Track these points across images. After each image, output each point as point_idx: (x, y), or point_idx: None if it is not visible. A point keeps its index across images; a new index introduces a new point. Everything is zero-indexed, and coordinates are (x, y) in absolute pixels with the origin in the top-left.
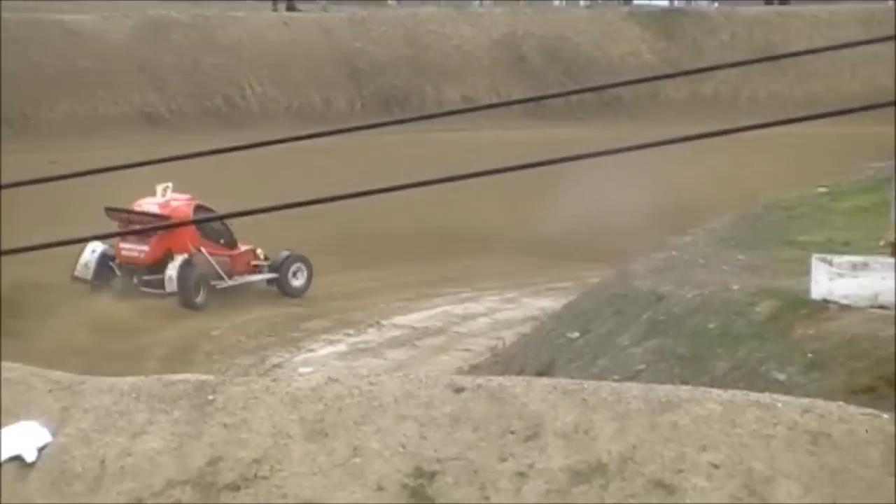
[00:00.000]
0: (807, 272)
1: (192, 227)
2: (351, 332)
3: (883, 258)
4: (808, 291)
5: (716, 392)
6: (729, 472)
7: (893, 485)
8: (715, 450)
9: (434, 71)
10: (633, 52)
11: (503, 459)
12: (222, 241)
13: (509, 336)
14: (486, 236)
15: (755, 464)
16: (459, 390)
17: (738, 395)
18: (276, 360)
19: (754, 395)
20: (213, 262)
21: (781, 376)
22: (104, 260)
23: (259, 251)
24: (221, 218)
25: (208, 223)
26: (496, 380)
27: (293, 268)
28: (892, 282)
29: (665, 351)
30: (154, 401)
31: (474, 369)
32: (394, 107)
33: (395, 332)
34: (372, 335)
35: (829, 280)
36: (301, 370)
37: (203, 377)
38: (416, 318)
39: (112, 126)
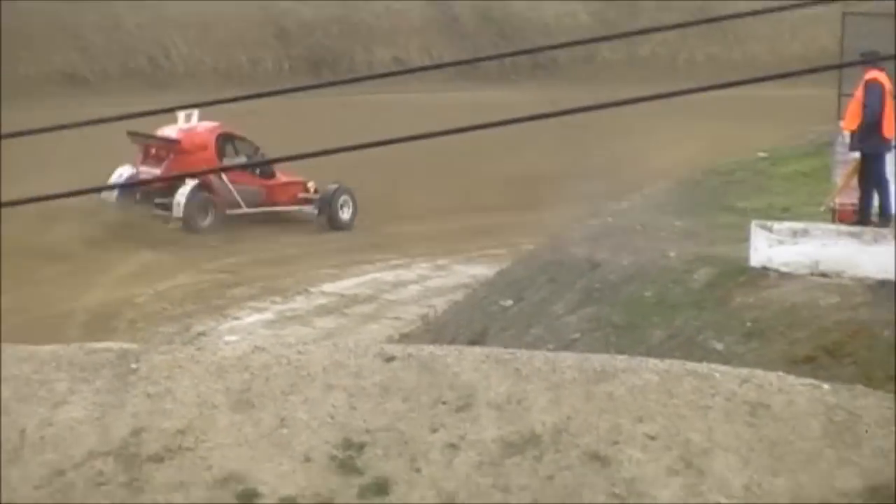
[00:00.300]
0: (746, 239)
1: (212, 154)
2: (278, 299)
3: (824, 224)
4: (746, 259)
5: (652, 362)
6: (665, 444)
7: (833, 456)
8: (651, 421)
9: (364, 32)
10: (569, 13)
11: (434, 430)
12: (258, 170)
13: (441, 304)
14: (417, 202)
15: (692, 435)
16: (389, 359)
17: (674, 364)
18: (201, 328)
19: (691, 365)
20: (233, 190)
21: (719, 345)
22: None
23: (310, 184)
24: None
25: (233, 150)
26: (427, 349)
27: (341, 200)
28: (833, 249)
29: (600, 319)
30: (75, 369)
31: (405, 338)
32: (323, 68)
33: (324, 300)
34: (300, 303)
35: (769, 247)
36: (227, 339)
37: (126, 345)
38: (345, 286)
39: (33, 87)
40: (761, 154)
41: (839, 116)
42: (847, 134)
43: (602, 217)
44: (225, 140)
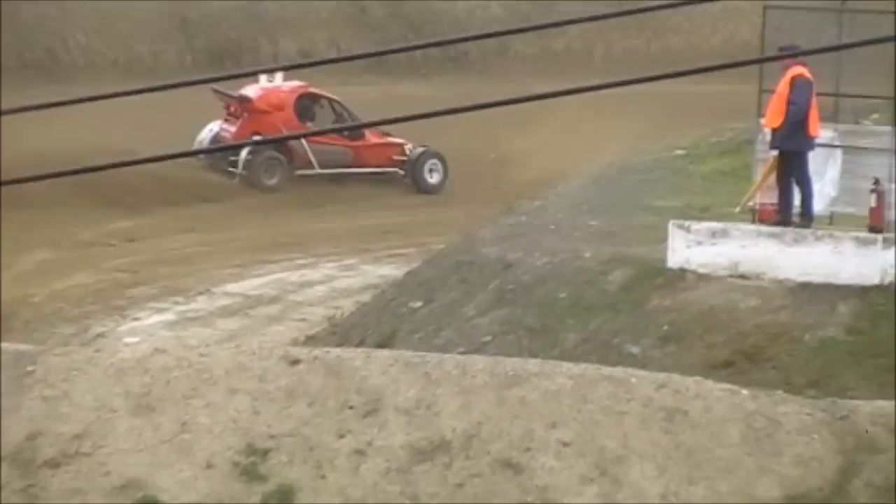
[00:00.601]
0: (663, 239)
1: (290, 114)
2: (180, 299)
3: (743, 225)
4: (664, 260)
5: (566, 366)
6: (580, 451)
7: (752, 464)
8: (565, 427)
9: (270, 23)
10: (481, 5)
11: (341, 436)
12: (345, 132)
13: (348, 305)
14: (321, 197)
15: (607, 442)
16: (295, 363)
17: (589, 368)
18: (99, 328)
19: (607, 370)
20: (309, 150)
21: (635, 349)
22: (216, 140)
23: (408, 147)
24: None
25: (314, 110)
26: (334, 352)
27: (428, 164)
28: (753, 250)
29: (513, 322)
30: None
31: (311, 340)
32: (227, 61)
33: (227, 301)
34: (202, 303)
35: (687, 248)
36: (126, 340)
37: (21, 347)
38: (248, 286)
39: None
40: (679, 151)
41: (760, 113)
42: (768, 131)
43: (515, 216)
44: (309, 101)
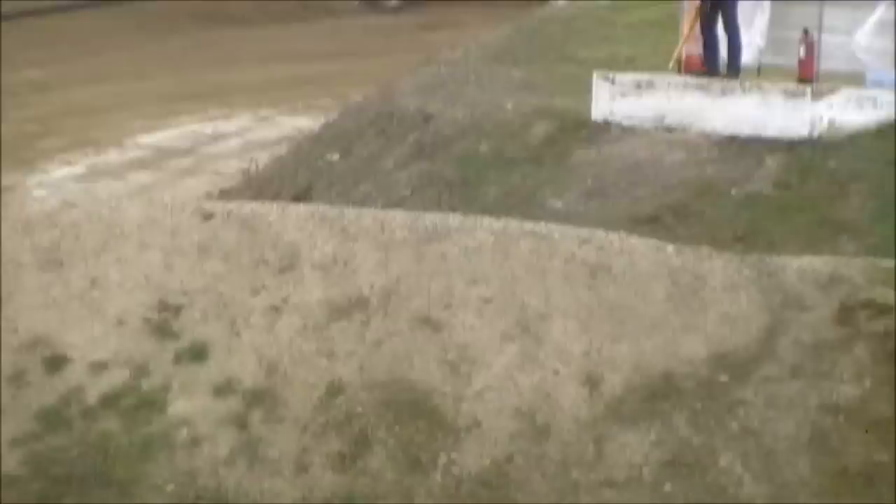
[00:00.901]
0: (587, 91)
1: None
2: (90, 151)
3: (670, 76)
4: (588, 111)
5: (487, 221)
6: (501, 308)
7: (677, 322)
8: (486, 283)
9: None
10: None
11: (255, 292)
12: None
13: (263, 158)
14: (234, 45)
15: (529, 299)
16: (208, 217)
17: (511, 224)
18: (6, 181)
19: (529, 225)
20: None
21: (558, 204)
22: None
23: None
24: None
25: None
26: (248, 206)
27: None
28: (680, 102)
29: (433, 175)
30: None
31: (224, 194)
32: None
33: (139, 153)
34: (113, 155)
35: (611, 99)
36: (35, 193)
37: None
38: (161, 137)
39: None
40: (603, 0)
41: None
42: None
43: (434, 66)
44: None
